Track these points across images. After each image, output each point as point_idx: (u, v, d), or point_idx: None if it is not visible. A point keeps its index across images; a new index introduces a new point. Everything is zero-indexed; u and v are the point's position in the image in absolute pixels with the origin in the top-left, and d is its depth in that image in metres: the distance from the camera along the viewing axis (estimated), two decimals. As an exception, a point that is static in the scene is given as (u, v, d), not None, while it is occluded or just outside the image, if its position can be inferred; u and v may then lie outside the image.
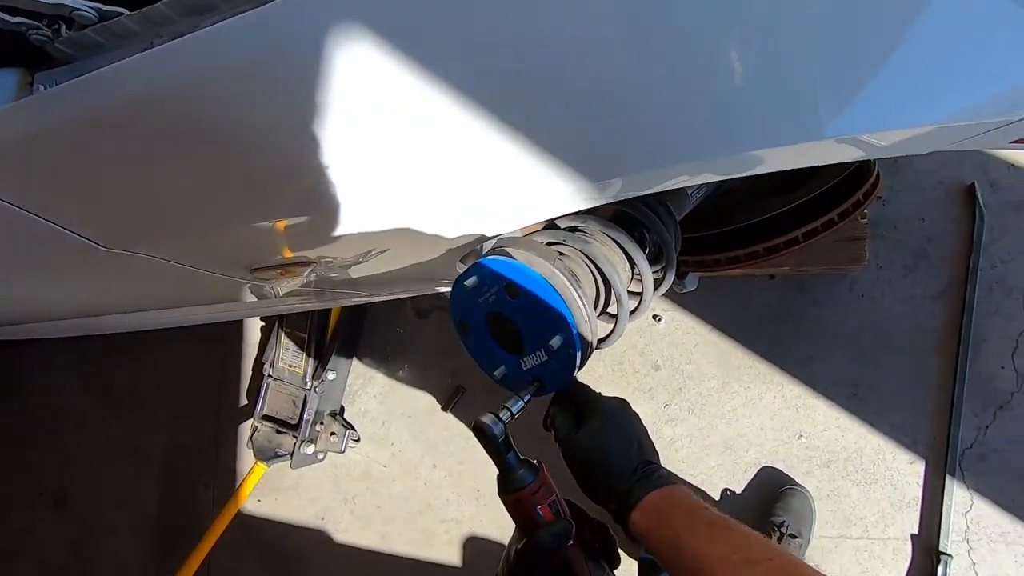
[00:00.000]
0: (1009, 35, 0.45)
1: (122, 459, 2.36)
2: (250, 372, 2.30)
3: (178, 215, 0.79)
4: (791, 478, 1.57)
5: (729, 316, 1.68)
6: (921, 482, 1.48)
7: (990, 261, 1.50)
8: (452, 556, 1.90)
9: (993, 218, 1.51)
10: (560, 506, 0.67)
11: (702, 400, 1.69)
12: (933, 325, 1.52)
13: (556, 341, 0.64)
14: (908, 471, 1.49)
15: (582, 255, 0.74)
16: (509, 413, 0.67)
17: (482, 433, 0.66)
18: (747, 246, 1.06)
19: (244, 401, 2.28)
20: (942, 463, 1.46)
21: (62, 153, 0.72)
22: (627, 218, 0.85)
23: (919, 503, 1.47)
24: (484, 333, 0.72)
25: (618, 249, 0.78)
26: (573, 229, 0.80)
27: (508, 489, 0.66)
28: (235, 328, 2.32)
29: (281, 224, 0.80)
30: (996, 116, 0.51)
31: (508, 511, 0.67)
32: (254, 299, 1.27)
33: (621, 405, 0.70)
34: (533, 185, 0.58)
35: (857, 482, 1.52)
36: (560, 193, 0.58)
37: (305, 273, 0.96)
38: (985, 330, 1.48)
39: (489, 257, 0.67)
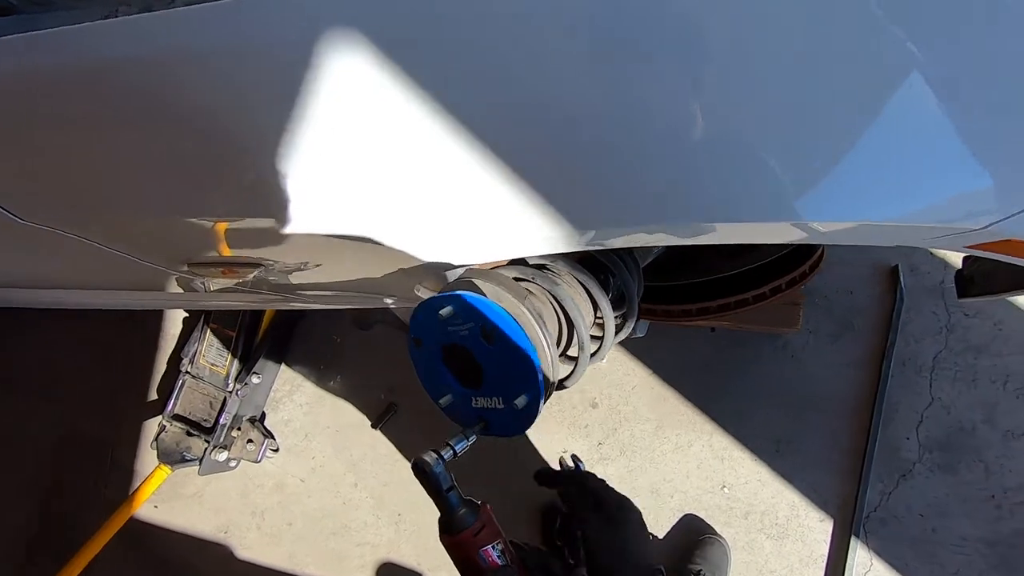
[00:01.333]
0: (948, 151, 0.49)
1: (5, 449, 2.11)
2: (164, 366, 2.14)
3: (117, 198, 0.72)
4: (711, 527, 1.61)
5: (669, 363, 1.73)
6: (828, 540, 1.55)
7: (905, 339, 1.62)
8: (363, 582, 1.81)
9: (911, 299, 1.64)
10: (506, 550, 0.64)
11: (635, 442, 1.71)
12: (852, 392, 1.62)
13: (521, 400, 0.62)
14: (818, 528, 1.56)
15: (549, 295, 0.73)
16: (452, 452, 0.65)
17: (422, 472, 0.63)
18: (699, 301, 1.09)
19: (154, 396, 2.11)
20: (848, 524, 1.54)
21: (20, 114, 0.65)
22: (594, 261, 0.85)
23: (825, 560, 1.54)
24: (439, 358, 0.69)
25: (584, 292, 0.78)
26: (540, 267, 0.79)
27: (449, 530, 0.63)
28: (153, 317, 2.15)
29: (234, 223, 0.75)
30: (941, 222, 0.55)
31: (450, 556, 0.64)
32: (182, 291, 1.18)
33: (638, 511, 0.73)
34: (515, 222, 0.57)
35: (771, 536, 1.58)
36: (541, 235, 0.57)
37: (252, 275, 0.90)
38: (896, 402, 1.59)
39: (468, 292, 0.65)
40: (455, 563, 0.64)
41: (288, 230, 0.70)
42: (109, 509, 1.90)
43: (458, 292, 0.64)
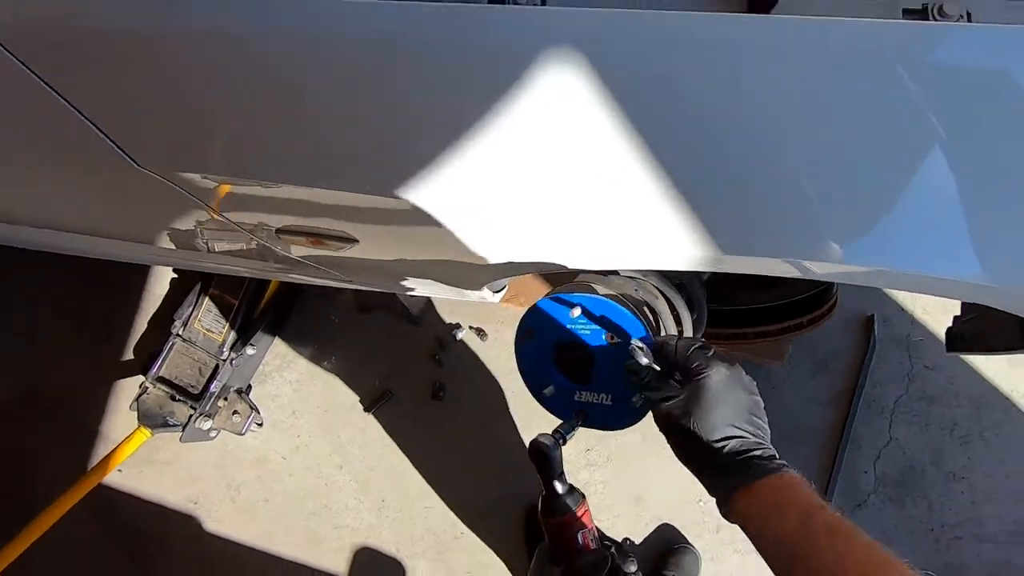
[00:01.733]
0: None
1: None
2: (144, 326, 2.05)
3: (257, 161, 0.73)
4: (685, 537, 1.72)
5: (662, 380, 1.83)
6: (788, 558, 1.69)
7: (872, 382, 1.80)
8: (338, 565, 1.80)
9: (881, 347, 1.82)
10: (595, 536, 0.70)
11: (621, 450, 1.80)
12: (822, 426, 1.78)
13: (638, 399, 0.68)
14: (780, 547, 1.70)
15: (647, 307, 0.80)
16: (563, 438, 0.70)
17: (542, 454, 0.68)
18: (733, 327, 1.19)
19: (129, 356, 2.02)
20: (808, 544, 1.68)
21: (159, 62, 0.65)
22: (669, 277, 0.92)
23: (783, 576, 1.68)
24: (549, 351, 0.74)
25: (668, 305, 0.85)
26: (631, 278, 0.86)
27: (555, 512, 0.68)
28: (138, 272, 2.06)
29: (359, 198, 0.76)
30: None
31: (548, 534, 0.69)
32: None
33: (735, 372, 0.63)
34: (668, 237, 0.62)
35: (738, 550, 1.71)
36: (686, 253, 0.63)
37: (341, 250, 0.92)
38: (858, 438, 1.76)
39: (597, 296, 0.70)
40: (552, 543, 0.70)
41: (418, 215, 0.73)
42: (69, 473, 1.81)
43: (591, 295, 0.70)
